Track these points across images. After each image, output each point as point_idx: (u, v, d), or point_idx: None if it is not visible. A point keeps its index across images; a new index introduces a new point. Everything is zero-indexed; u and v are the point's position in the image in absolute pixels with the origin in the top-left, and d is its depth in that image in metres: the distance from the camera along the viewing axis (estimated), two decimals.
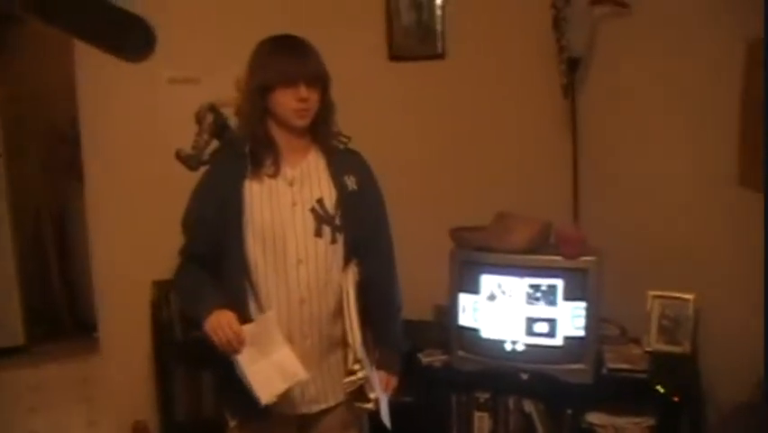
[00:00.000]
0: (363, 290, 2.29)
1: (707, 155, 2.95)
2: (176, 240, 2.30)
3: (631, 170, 3.32)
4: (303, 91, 2.13)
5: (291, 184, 2.21)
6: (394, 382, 2.39)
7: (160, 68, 3.32)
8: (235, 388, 2.20)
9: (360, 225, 2.27)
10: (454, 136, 3.57)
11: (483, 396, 3.08)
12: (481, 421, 3.08)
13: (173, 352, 3.31)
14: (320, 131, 2.25)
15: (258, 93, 2.17)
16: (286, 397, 2.19)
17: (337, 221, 2.22)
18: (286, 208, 2.19)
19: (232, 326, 2.11)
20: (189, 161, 2.68)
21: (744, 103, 2.68)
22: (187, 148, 3.45)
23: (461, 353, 3.05)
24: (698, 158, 3.00)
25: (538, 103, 3.46)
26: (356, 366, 2.22)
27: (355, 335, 2.23)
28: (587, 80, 3.40)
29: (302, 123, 2.19)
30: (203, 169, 2.32)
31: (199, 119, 3.49)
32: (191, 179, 2.31)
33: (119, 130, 3.39)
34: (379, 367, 2.35)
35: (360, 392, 2.27)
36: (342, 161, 2.29)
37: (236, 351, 2.12)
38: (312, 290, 2.20)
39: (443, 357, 3.13)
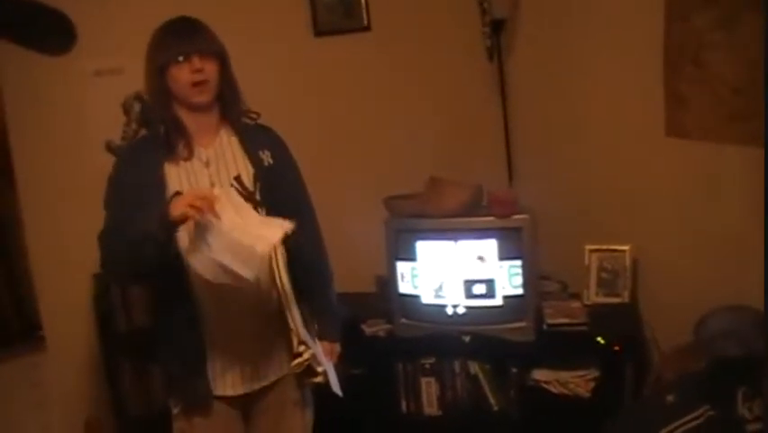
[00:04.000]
0: (292, 265, 2.29)
1: (634, 109, 2.97)
2: None
3: (561, 127, 3.34)
4: (196, 62, 2.10)
5: (207, 165, 2.19)
6: (338, 349, 2.41)
7: (84, 60, 3.26)
8: (178, 374, 2.20)
9: (279, 199, 2.25)
10: (385, 106, 3.57)
11: (428, 361, 3.10)
12: (429, 387, 3.10)
13: (118, 344, 3.28)
14: (227, 109, 2.23)
15: (157, 75, 2.13)
16: (226, 379, 2.21)
17: (257, 196, 2.21)
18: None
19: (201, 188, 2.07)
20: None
21: (666, 54, 2.71)
22: (117, 139, 3.39)
23: (403, 320, 3.06)
24: (625, 112, 3.02)
25: (466, 67, 3.48)
26: (301, 348, 2.21)
27: (295, 316, 2.20)
28: (514, 41, 3.42)
29: (201, 98, 2.15)
30: None
31: (126, 109, 3.43)
32: None
33: (47, 128, 3.31)
34: (320, 338, 2.35)
35: (308, 369, 2.27)
36: (255, 136, 2.27)
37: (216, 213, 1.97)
38: None
39: (387, 326, 3.15)
